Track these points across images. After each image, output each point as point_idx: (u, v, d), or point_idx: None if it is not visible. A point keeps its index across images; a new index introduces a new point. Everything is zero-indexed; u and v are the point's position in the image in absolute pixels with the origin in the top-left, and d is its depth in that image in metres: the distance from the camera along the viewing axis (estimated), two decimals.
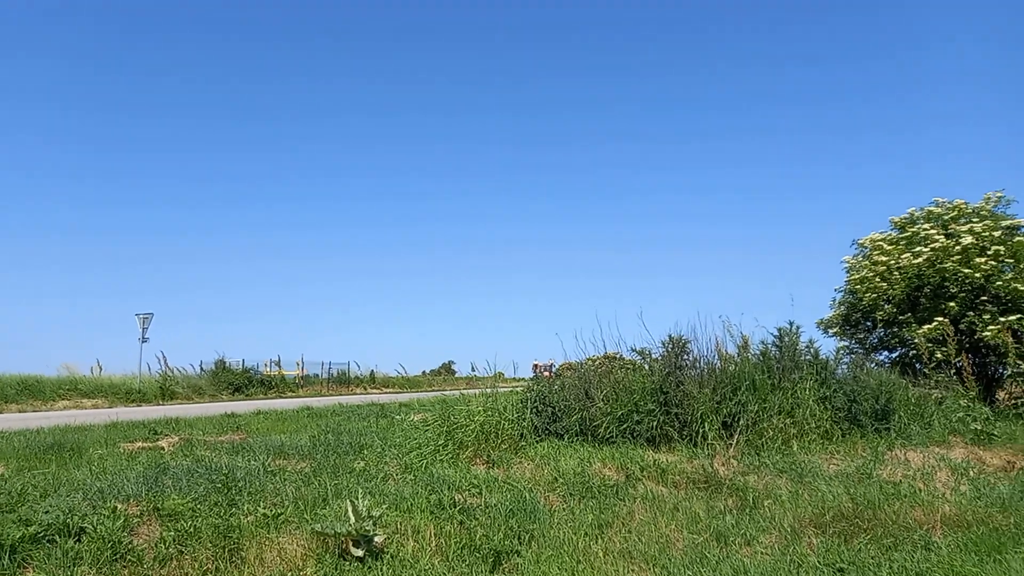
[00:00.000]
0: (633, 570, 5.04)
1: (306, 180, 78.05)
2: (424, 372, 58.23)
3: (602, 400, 9.27)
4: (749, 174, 77.74)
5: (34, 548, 4.59)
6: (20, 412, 19.19)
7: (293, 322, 74.72)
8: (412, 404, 16.12)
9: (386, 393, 34.68)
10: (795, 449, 8.25)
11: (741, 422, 8.69)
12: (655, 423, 8.78)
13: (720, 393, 8.96)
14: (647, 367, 10.38)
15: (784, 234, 77.59)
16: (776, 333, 9.90)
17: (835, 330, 16.31)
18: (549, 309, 70.53)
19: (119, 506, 5.34)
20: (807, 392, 9.04)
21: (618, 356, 12.86)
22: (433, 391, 32.52)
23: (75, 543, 4.70)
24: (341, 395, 32.00)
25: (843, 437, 8.87)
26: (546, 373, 41.92)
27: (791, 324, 9.88)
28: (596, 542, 5.57)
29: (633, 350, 10.75)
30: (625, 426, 8.88)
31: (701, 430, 8.55)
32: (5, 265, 66.95)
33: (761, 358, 9.65)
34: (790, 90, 75.67)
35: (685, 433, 8.71)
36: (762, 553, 5.31)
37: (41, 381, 23.40)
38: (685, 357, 9.64)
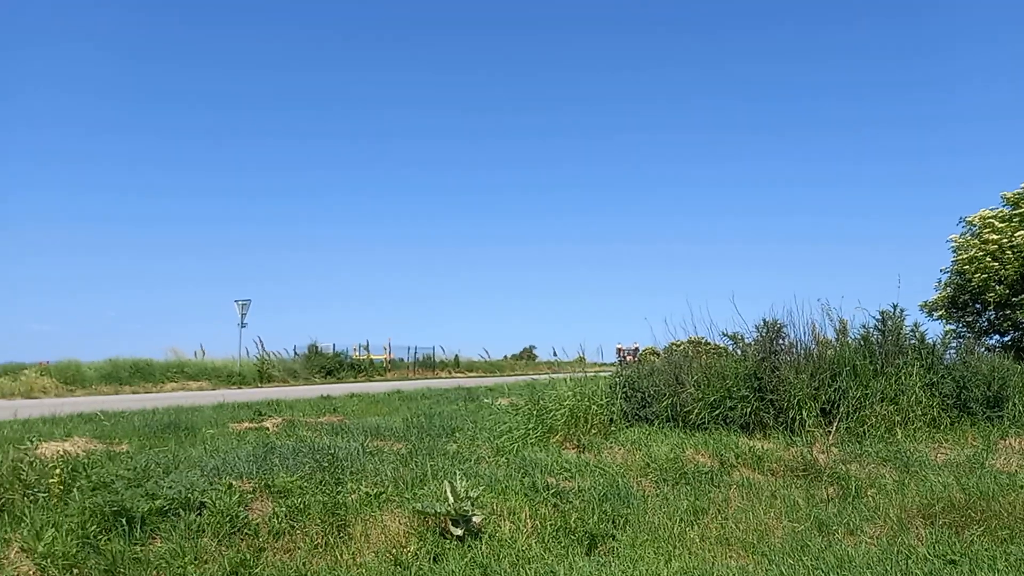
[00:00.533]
0: (731, 556, 4.99)
1: (392, 171, 79.68)
2: (506, 356, 58.67)
3: (693, 386, 9.14)
4: (848, 161, 74.20)
5: (160, 520, 4.94)
6: (134, 393, 20.58)
7: (379, 307, 76.71)
8: (498, 388, 16.35)
9: (471, 377, 35.23)
10: (899, 437, 7.92)
11: (841, 409, 8.40)
12: (749, 409, 8.59)
13: (818, 379, 8.68)
14: (739, 352, 10.16)
15: (886, 216, 73.71)
16: (878, 317, 9.49)
17: (940, 313, 15.47)
18: (633, 295, 69.65)
19: (234, 483, 5.67)
20: (912, 378, 8.64)
21: (703, 341, 12.63)
22: (516, 375, 32.86)
23: (196, 516, 5.02)
24: (427, 379, 32.76)
25: (952, 425, 8.44)
26: (629, 357, 41.91)
27: (895, 307, 9.45)
28: (692, 528, 5.53)
29: (724, 334, 10.52)
30: (717, 412, 8.74)
31: (798, 417, 8.32)
32: (116, 252, 71.42)
33: (862, 343, 9.28)
34: (889, 79, 71.59)
35: (781, 420, 8.50)
36: (867, 543, 5.15)
37: (151, 364, 24.92)
38: (780, 342, 9.37)
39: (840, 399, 8.48)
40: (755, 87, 77.19)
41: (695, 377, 9.25)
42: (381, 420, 10.24)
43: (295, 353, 33.52)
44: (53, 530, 4.33)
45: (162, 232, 74.27)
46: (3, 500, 4.78)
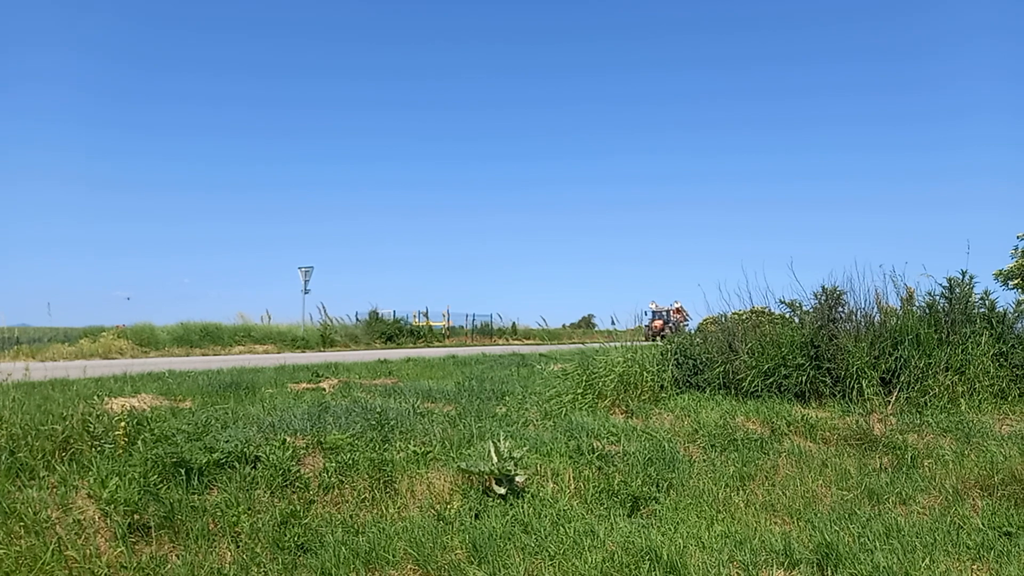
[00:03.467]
0: (775, 522, 4.93)
1: (456, 138, 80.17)
2: (564, 325, 58.78)
3: (747, 353, 8.98)
4: (911, 123, 70.67)
5: (217, 472, 5.17)
6: (203, 355, 21.46)
7: (439, 274, 77.73)
8: (552, 355, 16.39)
9: (527, 344, 35.43)
10: (963, 408, 7.62)
11: (902, 378, 8.12)
12: (804, 378, 8.40)
13: (879, 347, 8.40)
14: (797, 320, 9.92)
15: (954, 180, 69.99)
16: (945, 284, 9.08)
17: (1016, 281, 14.74)
18: (693, 262, 68.40)
19: (288, 439, 5.87)
20: (980, 347, 8.27)
21: (766, 310, 12.36)
22: (573, 343, 32.84)
23: (251, 469, 5.24)
24: (484, 345, 33.05)
25: (1021, 397, 8.07)
26: (657, 322, 40.70)
27: (963, 273, 9.02)
28: (737, 494, 5.48)
29: (782, 302, 10.27)
30: (771, 380, 8.57)
31: (856, 386, 8.08)
32: (191, 220, 74.06)
33: (927, 311, 8.92)
34: (945, 36, 67.29)
35: (838, 389, 8.28)
36: (919, 513, 5.01)
37: (220, 328, 25.84)
38: (840, 309, 9.09)
39: (901, 368, 8.20)
40: (811, 51, 74.12)
41: (749, 345, 9.09)
42: (434, 383, 10.41)
43: (357, 319, 34.28)
44: (117, 479, 4.57)
45: (231, 199, 76.60)
46: (72, 450, 5.08)
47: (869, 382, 8.11)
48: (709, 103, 78.11)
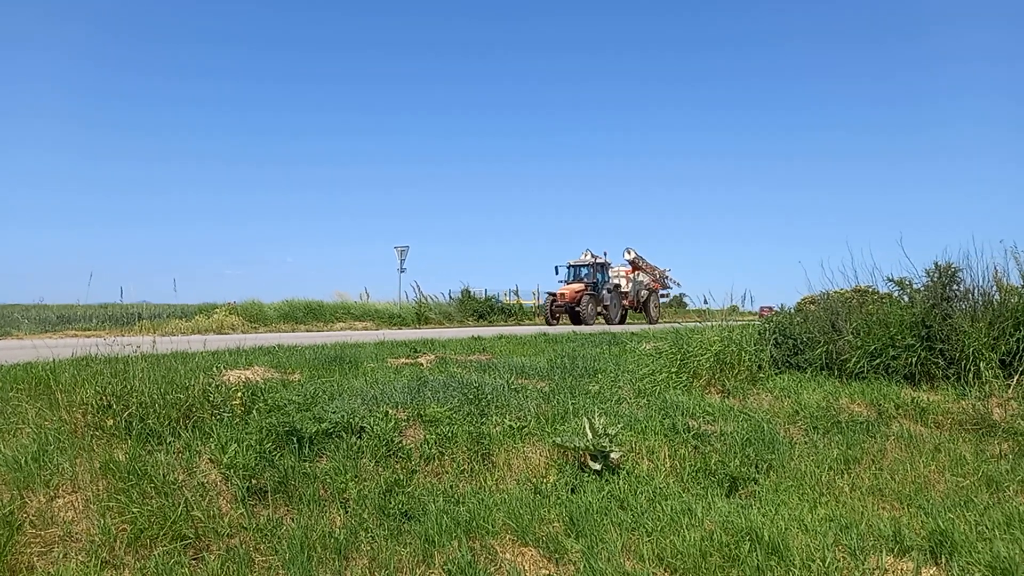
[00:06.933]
0: (884, 507, 4.76)
1: (544, 120, 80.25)
2: None
3: (851, 333, 8.62)
4: None
5: (326, 441, 5.44)
6: (307, 331, 22.43)
7: (525, 251, 78.19)
8: (644, 334, 16.21)
9: (617, 324, 35.11)
10: None
11: None
12: (914, 359, 7.99)
13: (998, 328, 7.88)
14: (906, 299, 9.42)
15: None
16: None
17: None
18: (789, 242, 65.84)
19: (390, 411, 6.11)
20: None
21: (870, 289, 11.80)
22: (664, 322, 32.33)
23: (357, 439, 5.49)
24: (575, 324, 32.98)
25: None
26: (569, 287, 37.84)
27: None
28: (842, 477, 5.32)
29: (889, 280, 9.76)
30: (878, 361, 8.21)
31: (973, 368, 7.63)
32: (294, 189, 77.64)
33: None
34: None
35: (951, 371, 7.83)
36: None
37: (322, 306, 27.00)
38: (955, 287, 8.57)
39: None
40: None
41: (854, 324, 8.72)
42: (527, 360, 10.52)
43: (449, 297, 34.98)
44: (235, 445, 4.90)
45: (327, 173, 79.51)
46: (195, 418, 5.46)
47: (988, 364, 7.64)
48: (831, 82, 74.43)
